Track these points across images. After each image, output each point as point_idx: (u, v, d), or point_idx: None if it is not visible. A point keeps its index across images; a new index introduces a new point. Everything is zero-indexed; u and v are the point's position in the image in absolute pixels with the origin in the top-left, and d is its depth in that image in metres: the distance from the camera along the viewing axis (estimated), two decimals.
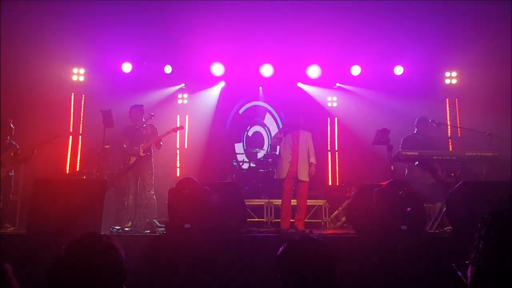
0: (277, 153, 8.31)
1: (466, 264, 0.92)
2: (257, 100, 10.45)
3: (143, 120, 7.18)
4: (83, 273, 1.57)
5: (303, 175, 6.79)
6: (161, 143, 7.15)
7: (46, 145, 6.93)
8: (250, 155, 9.35)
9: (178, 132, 8.27)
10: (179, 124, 9.24)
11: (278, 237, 5.75)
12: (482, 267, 0.86)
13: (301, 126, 7.05)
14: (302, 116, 7.17)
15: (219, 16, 8.42)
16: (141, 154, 6.95)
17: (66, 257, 1.62)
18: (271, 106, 10.51)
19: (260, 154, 9.41)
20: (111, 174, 7.52)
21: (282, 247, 1.94)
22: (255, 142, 10.23)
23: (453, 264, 0.96)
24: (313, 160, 6.84)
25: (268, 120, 10.52)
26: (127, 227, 6.47)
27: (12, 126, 6.98)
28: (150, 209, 7.02)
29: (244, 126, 10.45)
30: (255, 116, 10.51)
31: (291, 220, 6.81)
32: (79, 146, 9.26)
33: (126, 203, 7.37)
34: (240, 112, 10.41)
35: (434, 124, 7.18)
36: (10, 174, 6.89)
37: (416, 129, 7.53)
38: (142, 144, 6.97)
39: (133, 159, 6.95)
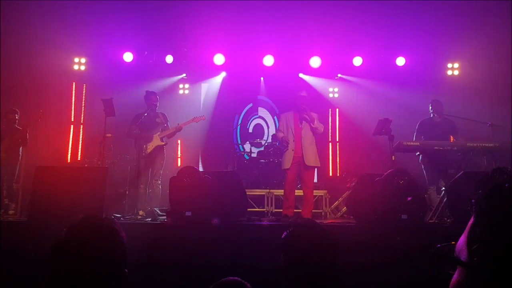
0: (277, 144, 8.29)
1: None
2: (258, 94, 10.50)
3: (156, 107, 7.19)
4: (84, 255, 1.56)
5: (311, 160, 6.32)
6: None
7: (34, 124, 7.27)
8: (254, 145, 9.36)
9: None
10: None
11: (281, 224, 5.73)
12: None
13: (301, 107, 6.43)
14: (301, 96, 6.57)
15: (221, 6, 8.38)
16: (161, 142, 6.94)
17: (67, 239, 1.61)
18: (271, 100, 10.53)
19: (261, 145, 9.40)
20: (112, 163, 7.54)
21: (287, 231, 1.92)
22: (255, 134, 10.26)
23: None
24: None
25: (263, 112, 10.59)
26: (139, 216, 6.40)
27: (16, 116, 7.24)
28: (154, 199, 7.03)
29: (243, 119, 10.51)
30: (253, 112, 10.61)
31: (295, 211, 6.50)
32: (81, 135, 9.28)
33: (127, 192, 7.40)
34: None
35: (434, 115, 7.09)
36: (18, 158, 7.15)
37: (432, 112, 7.09)
38: (159, 133, 6.96)
39: (150, 147, 6.91)
